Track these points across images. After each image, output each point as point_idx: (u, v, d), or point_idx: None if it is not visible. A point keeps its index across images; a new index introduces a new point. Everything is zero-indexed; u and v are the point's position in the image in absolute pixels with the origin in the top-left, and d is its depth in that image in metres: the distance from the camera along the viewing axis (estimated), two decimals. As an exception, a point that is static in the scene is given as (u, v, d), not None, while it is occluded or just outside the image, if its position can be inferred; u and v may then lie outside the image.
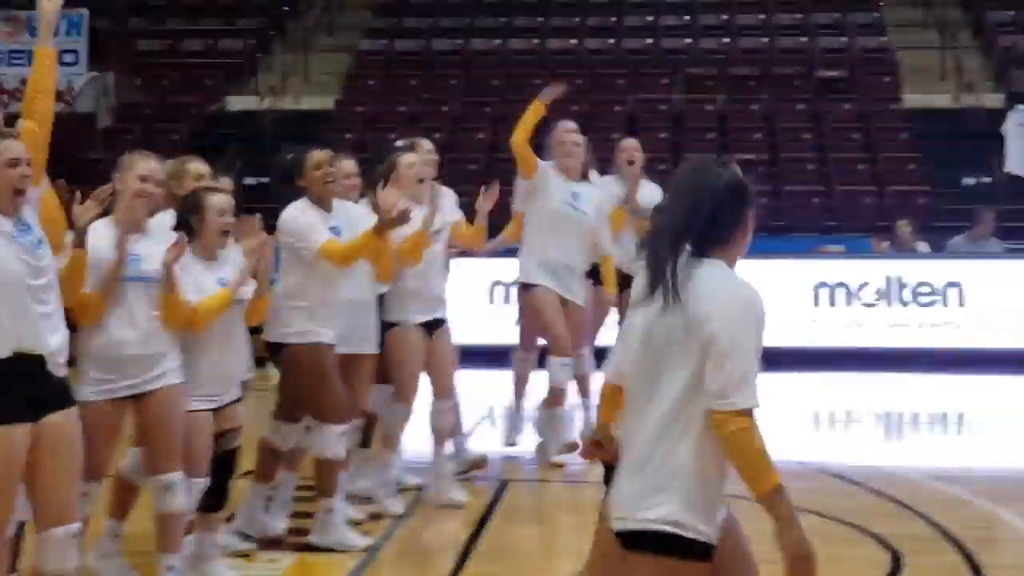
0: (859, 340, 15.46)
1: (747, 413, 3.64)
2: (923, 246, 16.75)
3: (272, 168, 7.77)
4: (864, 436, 12.28)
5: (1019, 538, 7.94)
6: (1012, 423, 12.19)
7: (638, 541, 3.74)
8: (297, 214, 7.36)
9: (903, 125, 20.49)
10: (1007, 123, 18.58)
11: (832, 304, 15.67)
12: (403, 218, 7.42)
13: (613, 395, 4.08)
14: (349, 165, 7.99)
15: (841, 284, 15.72)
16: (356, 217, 7.61)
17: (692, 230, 3.87)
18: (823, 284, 15.73)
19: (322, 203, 7.43)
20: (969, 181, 19.35)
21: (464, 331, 9.38)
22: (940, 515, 8.17)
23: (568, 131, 9.55)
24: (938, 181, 19.21)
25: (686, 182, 3.99)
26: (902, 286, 15.60)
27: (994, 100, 20.95)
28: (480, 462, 9.26)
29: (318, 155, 7.45)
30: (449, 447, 8.74)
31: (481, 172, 10.59)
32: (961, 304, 15.37)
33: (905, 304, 15.53)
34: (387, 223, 7.36)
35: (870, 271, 15.78)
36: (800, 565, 3.60)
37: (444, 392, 8.54)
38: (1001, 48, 21.72)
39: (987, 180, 19.22)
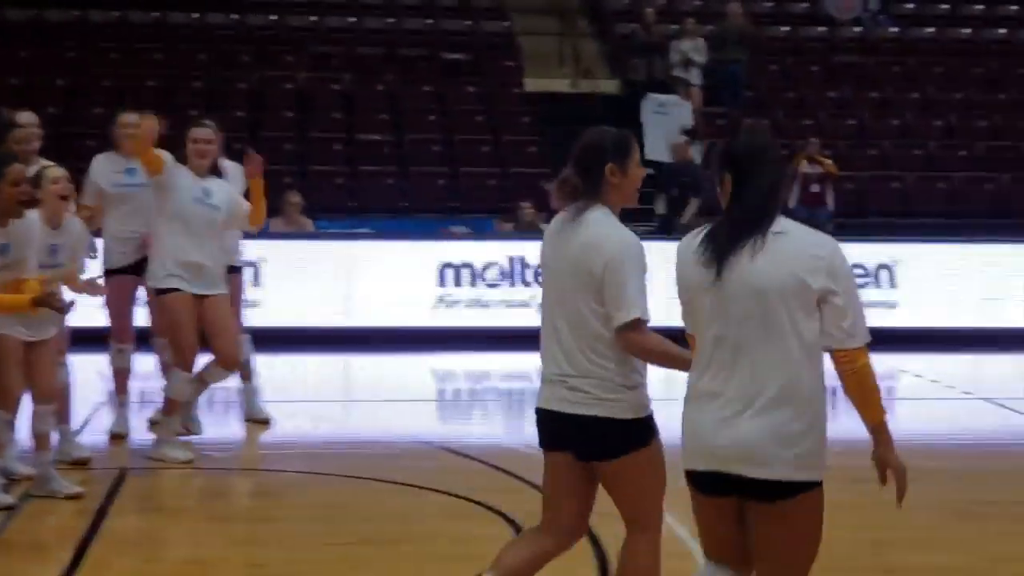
0: (484, 320, 15.67)
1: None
2: (545, 226, 17.12)
3: None
4: (485, 414, 12.44)
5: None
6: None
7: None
8: None
9: (525, 109, 20.88)
10: (642, 112, 19.19)
11: (457, 284, 15.83)
12: (57, 306, 7.64)
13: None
14: None
15: (466, 265, 15.89)
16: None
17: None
18: (448, 265, 15.87)
19: None
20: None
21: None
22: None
23: (200, 133, 9.25)
24: (559, 164, 19.56)
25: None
26: (525, 266, 15.88)
27: (610, 86, 21.60)
28: (86, 460, 8.96)
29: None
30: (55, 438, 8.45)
31: (96, 149, 10.14)
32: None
33: (528, 284, 15.82)
34: (45, 302, 7.53)
35: (494, 252, 16.01)
36: (902, 475, 4.50)
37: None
38: (617, 36, 22.40)
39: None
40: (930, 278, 15.91)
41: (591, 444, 5.03)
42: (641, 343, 4.92)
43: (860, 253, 16.02)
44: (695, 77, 20.57)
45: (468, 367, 14.79)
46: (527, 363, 14.41)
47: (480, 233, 17.16)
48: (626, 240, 4.93)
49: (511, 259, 15.92)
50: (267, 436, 10.32)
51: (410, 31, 22.48)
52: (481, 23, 22.85)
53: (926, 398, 12.81)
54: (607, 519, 5.41)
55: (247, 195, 9.40)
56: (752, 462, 4.30)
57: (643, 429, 5.04)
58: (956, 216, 18.21)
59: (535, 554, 5.29)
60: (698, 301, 4.46)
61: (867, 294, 15.80)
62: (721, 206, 4.46)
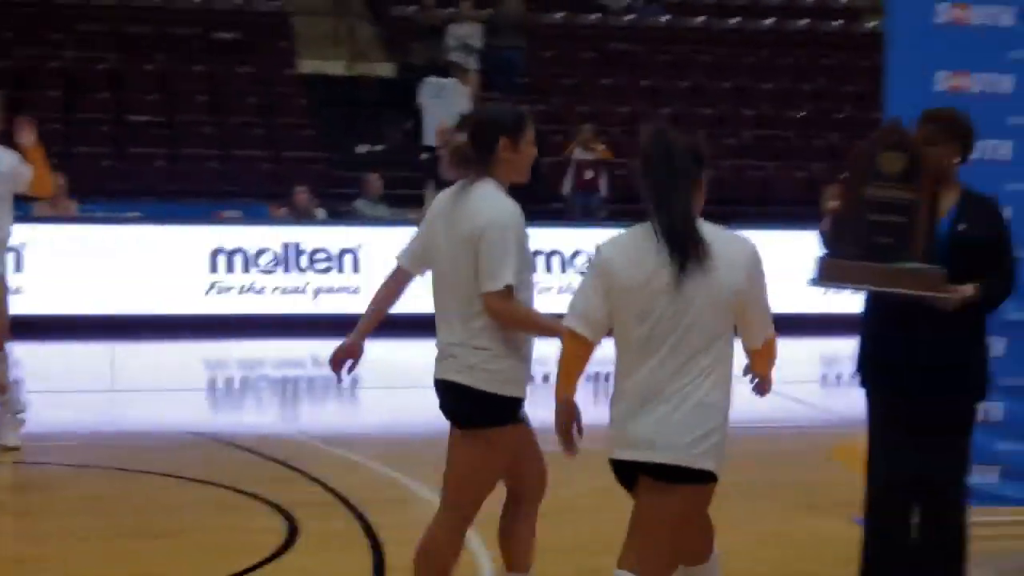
0: (257, 307, 15.43)
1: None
2: (320, 212, 16.95)
3: None
4: (258, 403, 12.24)
5: (412, 498, 8.10)
6: (400, 387, 12.47)
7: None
8: None
9: (299, 91, 20.62)
10: (420, 96, 19.07)
11: (230, 270, 15.55)
12: None
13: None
14: None
15: (239, 250, 15.61)
16: None
17: None
18: (220, 250, 15.57)
19: None
20: (363, 148, 19.74)
21: None
22: (335, 480, 8.21)
23: None
24: (333, 148, 19.48)
25: None
26: (300, 252, 15.68)
27: (386, 69, 21.48)
28: None
29: None
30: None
31: None
32: (356, 270, 15.63)
33: (303, 270, 15.63)
34: None
35: (268, 237, 15.77)
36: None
37: None
38: (393, 19, 22.27)
39: (380, 148, 19.68)
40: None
41: (450, 407, 5.20)
42: (510, 311, 5.01)
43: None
44: (472, 62, 20.57)
45: (241, 355, 14.53)
46: (301, 350, 14.27)
47: (253, 218, 16.88)
48: (504, 210, 5.01)
49: (285, 245, 15.70)
50: (30, 427, 9.95)
51: (181, 10, 21.98)
52: (254, 3, 22.48)
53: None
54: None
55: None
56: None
57: (501, 407, 5.09)
58: (724, 203, 18.58)
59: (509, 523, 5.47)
60: (633, 301, 4.46)
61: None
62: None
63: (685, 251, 4.39)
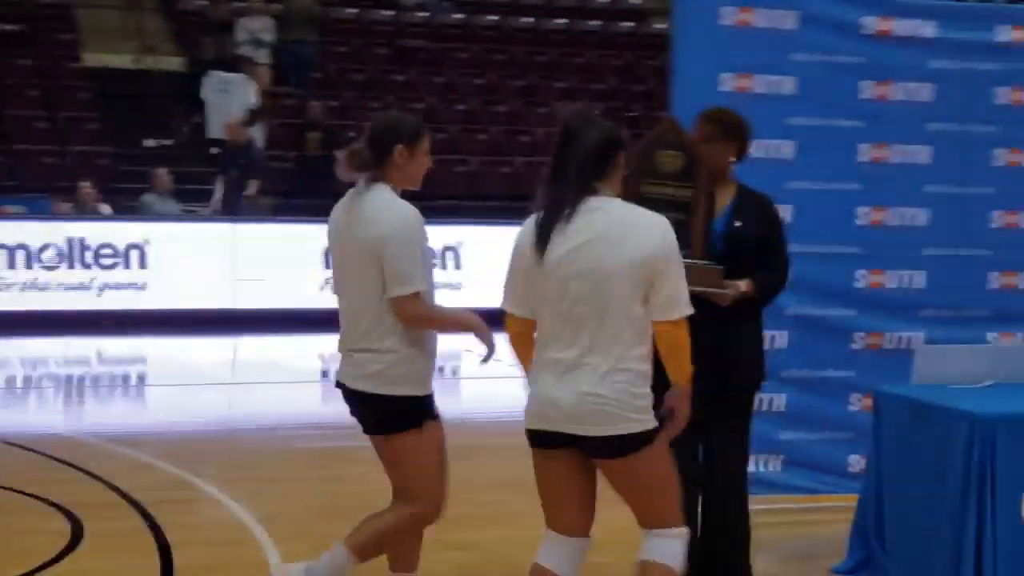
0: (41, 303, 15.03)
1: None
2: (105, 208, 16.60)
3: None
4: (41, 401, 11.93)
5: (200, 497, 7.99)
6: (194, 384, 12.30)
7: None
8: None
9: (84, 84, 20.14)
10: (204, 90, 18.75)
11: (12, 267, 15.11)
12: None
13: None
14: None
15: (22, 246, 15.20)
16: None
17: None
18: (2, 246, 15.13)
19: None
20: (150, 143, 19.39)
21: None
22: (121, 479, 8.05)
23: None
24: (120, 142, 19.10)
25: None
26: (85, 248, 15.32)
27: (175, 63, 21.12)
28: None
29: None
30: None
31: None
32: (143, 266, 15.34)
33: (88, 266, 15.27)
34: None
35: (51, 232, 15.38)
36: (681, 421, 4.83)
37: None
38: (183, 12, 21.90)
39: (168, 142, 19.35)
40: (493, 260, 16.23)
41: (366, 419, 5.28)
42: (421, 313, 5.15)
43: (428, 236, 16.22)
44: (263, 56, 20.35)
45: (23, 353, 14.14)
46: (86, 348, 13.97)
47: (36, 213, 16.42)
48: (404, 215, 5.14)
49: (70, 240, 15.32)
50: None
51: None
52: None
53: (489, 377, 13.11)
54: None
55: None
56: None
57: (412, 407, 5.21)
58: (521, 199, 18.70)
59: (388, 523, 5.43)
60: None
61: (435, 276, 16.02)
62: None
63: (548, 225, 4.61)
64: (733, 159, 5.69)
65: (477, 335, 5.31)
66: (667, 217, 5.26)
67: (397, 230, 5.10)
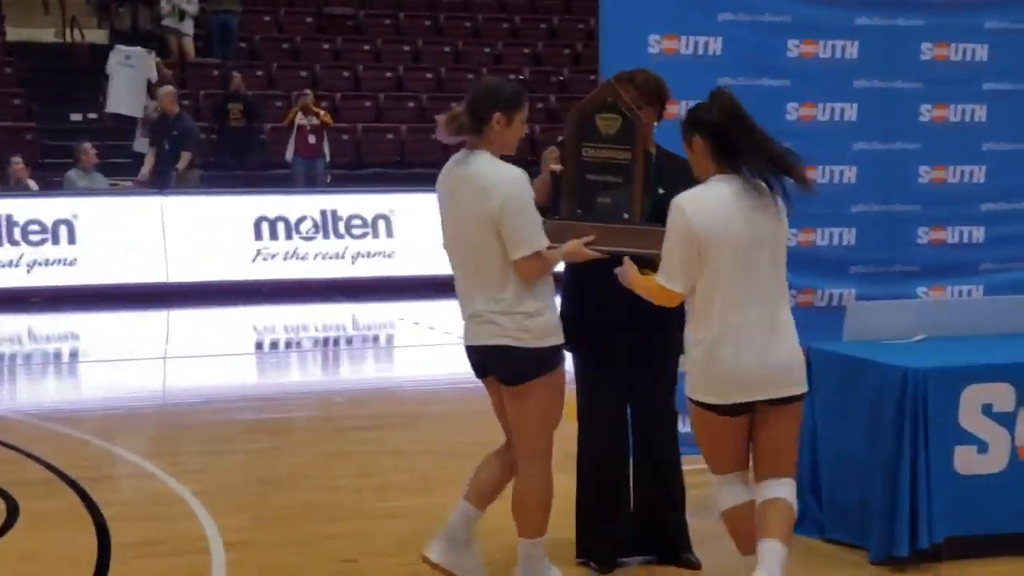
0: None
1: None
2: (32, 184, 16.41)
3: None
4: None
5: (134, 472, 7.93)
6: (127, 360, 12.21)
7: None
8: None
9: (7, 59, 19.86)
10: (110, 61, 18.53)
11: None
12: None
13: None
14: None
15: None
16: None
17: None
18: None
19: None
20: (76, 117, 19.17)
21: None
22: (54, 457, 7.98)
23: None
24: (45, 117, 18.88)
25: None
26: (13, 225, 15.12)
27: (99, 36, 20.88)
28: None
29: None
30: None
31: None
32: (72, 241, 15.18)
33: (16, 243, 15.08)
34: None
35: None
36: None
37: None
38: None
39: (93, 116, 19.14)
40: (424, 227, 16.10)
41: (500, 371, 5.27)
42: (543, 269, 5.20)
43: (358, 204, 16.20)
44: (187, 27, 20.15)
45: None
46: (15, 325, 13.81)
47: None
48: (515, 179, 5.16)
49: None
50: None
51: None
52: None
53: (424, 345, 13.10)
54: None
55: None
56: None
57: (544, 358, 5.21)
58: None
59: (493, 475, 5.52)
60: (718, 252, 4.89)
61: (367, 245, 16.03)
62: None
63: None
64: (654, 122, 5.71)
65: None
66: (607, 181, 5.29)
67: (512, 195, 5.12)
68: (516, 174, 5.19)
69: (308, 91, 18.34)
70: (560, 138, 5.62)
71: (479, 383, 5.43)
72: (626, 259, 5.17)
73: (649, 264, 5.20)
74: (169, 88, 17.22)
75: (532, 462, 5.33)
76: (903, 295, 7.38)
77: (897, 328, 6.46)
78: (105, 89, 18.47)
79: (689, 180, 5.31)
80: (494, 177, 5.17)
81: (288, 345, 13.60)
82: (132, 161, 17.64)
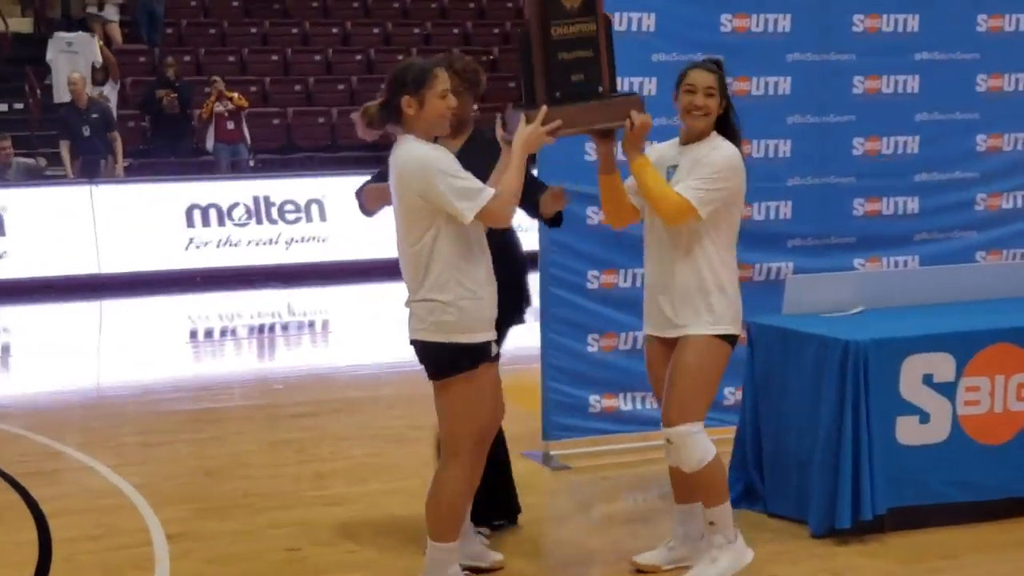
0: None
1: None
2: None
3: None
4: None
5: (74, 466, 7.83)
6: (61, 352, 12.06)
7: None
8: None
9: (-71, 49, 19.58)
10: (50, 51, 18.27)
11: None
12: None
13: None
14: None
15: None
16: None
17: None
18: None
19: None
20: (2, 107, 18.91)
21: None
22: (-9, 453, 7.89)
23: None
24: (-30, 108, 18.63)
25: None
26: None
27: (23, 24, 20.61)
28: None
29: None
30: None
31: None
32: (1, 234, 14.97)
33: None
34: None
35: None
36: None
37: None
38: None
39: (20, 106, 18.89)
40: (356, 211, 15.90)
41: (422, 363, 5.21)
42: (501, 203, 5.02)
43: (290, 189, 16.09)
44: (112, 13, 19.91)
45: None
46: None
47: None
48: (422, 158, 5.03)
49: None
50: None
51: None
52: None
53: (361, 330, 13.05)
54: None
55: None
56: None
57: (459, 354, 5.08)
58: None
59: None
60: None
61: (300, 230, 15.92)
62: None
63: None
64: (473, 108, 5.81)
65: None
66: (578, 56, 5.19)
67: (425, 175, 4.99)
68: (422, 151, 5.05)
69: (217, 78, 18.08)
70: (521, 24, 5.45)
71: (417, 367, 5.34)
72: (630, 145, 5.29)
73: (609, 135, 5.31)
74: (77, 75, 16.82)
75: (449, 461, 5.23)
76: (841, 267, 7.41)
77: (836, 300, 6.49)
78: (32, 78, 18.19)
79: (494, 159, 5.24)
80: (404, 165, 5.08)
81: (224, 333, 13.49)
82: (56, 151, 17.38)
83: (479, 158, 5.47)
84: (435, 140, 5.21)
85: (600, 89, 5.26)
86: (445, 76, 5.15)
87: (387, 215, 5.42)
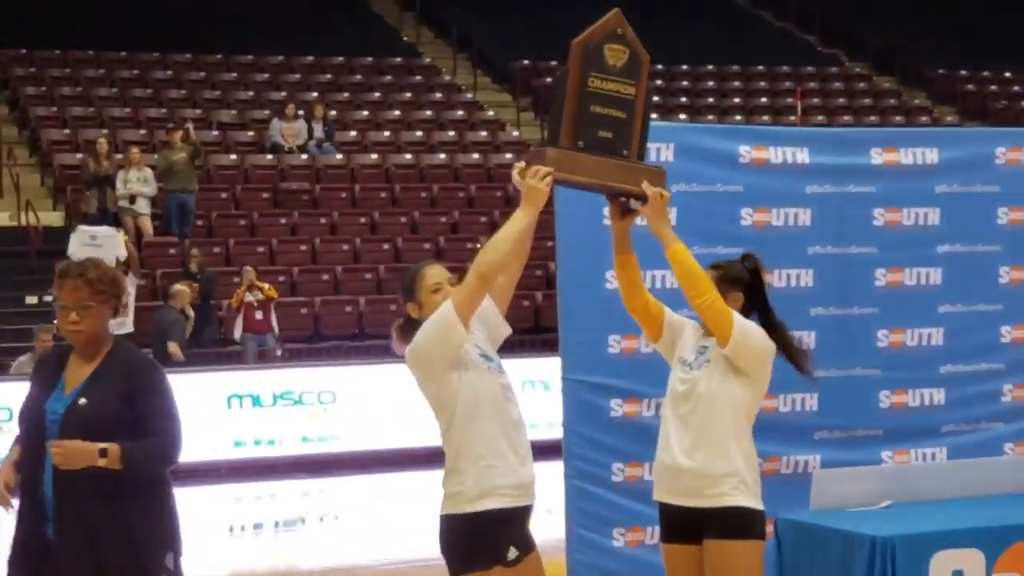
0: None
1: None
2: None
3: None
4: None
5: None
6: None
7: None
8: None
9: (-37, 244, 19.86)
10: (72, 244, 18.47)
11: None
12: None
13: None
14: None
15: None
16: None
17: None
18: None
19: None
20: (32, 299, 19.08)
21: None
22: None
23: None
24: (1, 300, 18.80)
25: None
26: None
27: (54, 218, 20.93)
28: None
29: None
30: None
31: None
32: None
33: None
34: None
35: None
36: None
37: None
38: (58, 167, 21.72)
39: (49, 299, 19.06)
40: (377, 401, 15.81)
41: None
42: (475, 279, 5.13)
43: (310, 379, 16.08)
44: (143, 207, 20.20)
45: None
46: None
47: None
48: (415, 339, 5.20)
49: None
50: None
51: None
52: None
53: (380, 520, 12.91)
54: None
55: None
56: None
57: (475, 535, 5.10)
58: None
59: None
60: None
61: (317, 420, 15.86)
62: None
63: None
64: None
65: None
66: (610, 116, 5.14)
67: (414, 352, 5.16)
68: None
69: (248, 268, 18.26)
70: (561, 69, 5.36)
71: (438, 559, 5.26)
72: (663, 223, 5.30)
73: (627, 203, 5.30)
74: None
75: None
76: (868, 460, 7.33)
77: (863, 495, 6.42)
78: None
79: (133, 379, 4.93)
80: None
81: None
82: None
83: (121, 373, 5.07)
84: None
85: (625, 152, 5.22)
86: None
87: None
